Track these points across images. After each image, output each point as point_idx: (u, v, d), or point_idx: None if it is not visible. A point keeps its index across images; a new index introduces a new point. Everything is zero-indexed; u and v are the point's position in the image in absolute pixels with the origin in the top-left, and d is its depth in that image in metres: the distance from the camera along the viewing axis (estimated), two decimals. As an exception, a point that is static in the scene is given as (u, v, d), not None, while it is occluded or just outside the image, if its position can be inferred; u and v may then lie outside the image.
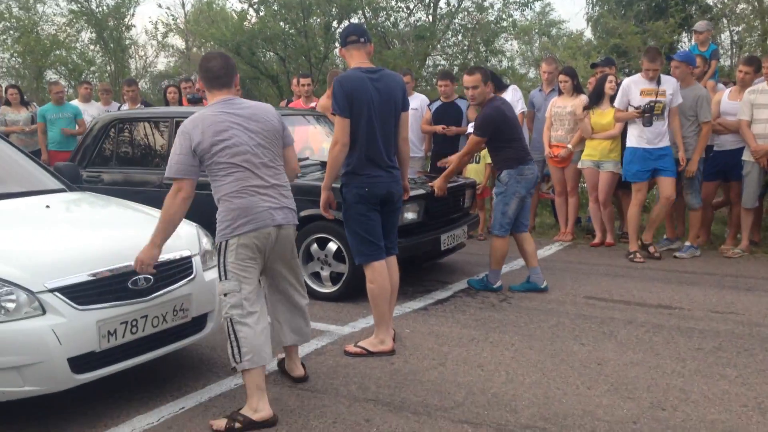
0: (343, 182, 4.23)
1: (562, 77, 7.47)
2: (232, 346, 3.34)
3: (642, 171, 6.54)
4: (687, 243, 6.85)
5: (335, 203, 4.33)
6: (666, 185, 6.51)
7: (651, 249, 6.76)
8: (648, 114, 6.43)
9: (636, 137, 6.57)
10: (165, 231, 3.39)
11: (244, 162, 3.34)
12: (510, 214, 5.41)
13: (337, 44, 15.04)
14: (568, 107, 7.35)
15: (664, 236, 7.24)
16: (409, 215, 5.37)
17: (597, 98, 7.11)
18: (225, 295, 3.35)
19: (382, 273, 4.24)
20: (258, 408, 3.31)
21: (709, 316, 4.90)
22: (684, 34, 15.52)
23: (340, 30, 14.39)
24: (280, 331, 3.76)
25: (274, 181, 3.43)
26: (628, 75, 12.59)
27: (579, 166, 7.31)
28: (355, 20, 14.57)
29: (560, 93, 7.53)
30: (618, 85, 7.00)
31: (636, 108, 6.49)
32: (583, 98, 7.33)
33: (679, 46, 15.93)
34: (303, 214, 5.33)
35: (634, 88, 6.55)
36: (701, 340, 4.41)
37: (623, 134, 7.09)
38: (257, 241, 3.34)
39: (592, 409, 3.43)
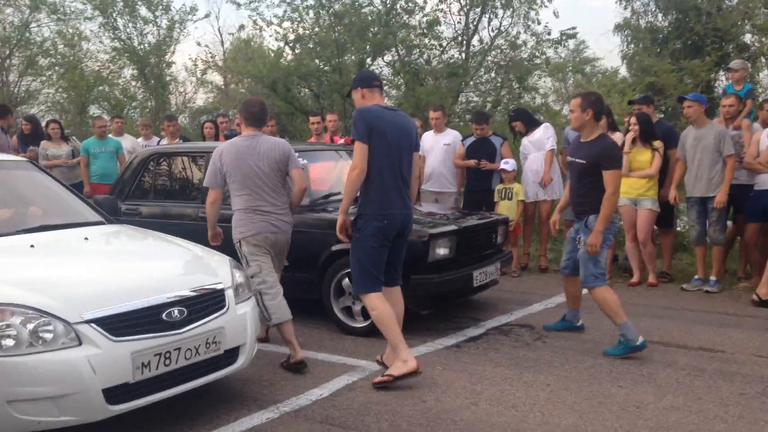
0: (361, 213, 4.31)
1: (596, 115, 7.42)
2: (262, 311, 4.46)
3: None
4: (712, 278, 6.86)
5: (350, 228, 4.38)
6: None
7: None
8: None
9: None
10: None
11: (251, 184, 4.56)
12: (603, 263, 5.00)
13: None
14: (602, 145, 7.26)
15: (695, 276, 7.08)
16: (441, 251, 5.34)
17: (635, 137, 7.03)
18: (252, 277, 4.46)
19: (381, 299, 4.39)
20: (295, 352, 4.58)
21: (753, 360, 4.74)
22: (720, 73, 15.40)
23: (373, 67, 14.57)
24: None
25: (272, 200, 4.61)
26: (665, 113, 12.55)
27: (616, 204, 7.21)
28: (388, 58, 14.73)
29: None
30: (645, 123, 6.93)
31: None
32: (618, 136, 7.27)
33: (715, 85, 15.80)
34: (335, 248, 5.36)
35: None
36: (744, 384, 4.27)
37: (661, 173, 7.02)
38: (258, 242, 4.58)
39: (631, 454, 3.33)
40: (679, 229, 8.56)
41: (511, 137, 8.60)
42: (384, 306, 4.34)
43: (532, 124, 8.07)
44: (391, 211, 4.25)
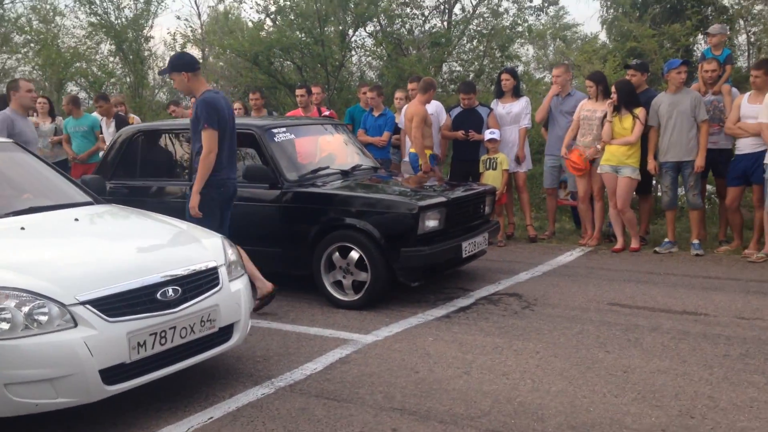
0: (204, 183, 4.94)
1: (587, 82, 7.45)
2: None
3: None
4: (695, 241, 7.03)
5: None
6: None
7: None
8: None
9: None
10: None
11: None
12: None
13: (353, 52, 15.09)
14: (597, 112, 7.28)
15: (666, 239, 7.21)
16: (431, 223, 5.38)
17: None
18: None
19: None
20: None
21: (735, 323, 4.86)
22: (700, 36, 15.44)
23: (354, 38, 14.46)
24: None
25: None
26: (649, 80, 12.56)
27: (598, 171, 7.27)
28: (370, 28, 14.61)
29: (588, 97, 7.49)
30: (624, 91, 6.98)
31: None
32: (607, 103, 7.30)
33: (694, 49, 15.86)
34: (323, 222, 5.41)
35: None
36: (728, 346, 4.38)
37: (642, 140, 7.07)
38: None
39: (620, 418, 3.42)
40: (659, 194, 8.68)
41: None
42: None
43: (516, 91, 8.06)
44: (226, 181, 5.01)
